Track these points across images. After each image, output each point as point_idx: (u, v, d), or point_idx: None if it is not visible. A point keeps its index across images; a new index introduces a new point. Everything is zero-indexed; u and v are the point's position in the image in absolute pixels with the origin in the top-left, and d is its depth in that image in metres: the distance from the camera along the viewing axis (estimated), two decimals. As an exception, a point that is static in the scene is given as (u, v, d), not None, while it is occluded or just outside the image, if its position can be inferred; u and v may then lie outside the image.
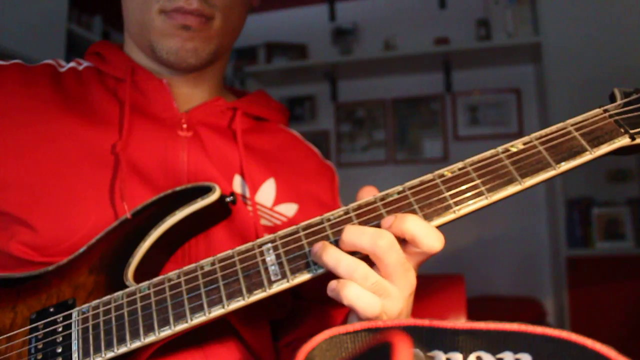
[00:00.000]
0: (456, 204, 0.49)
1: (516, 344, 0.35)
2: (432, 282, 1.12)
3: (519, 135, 2.83)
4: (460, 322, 0.36)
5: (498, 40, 2.71)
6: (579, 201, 2.54)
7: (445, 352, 0.36)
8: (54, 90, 0.66)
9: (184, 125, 0.68)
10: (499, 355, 0.35)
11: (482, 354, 0.35)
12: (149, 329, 0.49)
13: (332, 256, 0.47)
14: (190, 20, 0.65)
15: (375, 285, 0.46)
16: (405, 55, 2.83)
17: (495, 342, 0.35)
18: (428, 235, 0.47)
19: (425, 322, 0.38)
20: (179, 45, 0.66)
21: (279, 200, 0.72)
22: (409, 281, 0.48)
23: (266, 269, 0.50)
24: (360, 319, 0.48)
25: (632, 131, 0.51)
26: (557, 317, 2.59)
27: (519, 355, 0.34)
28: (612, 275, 2.38)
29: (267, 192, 0.71)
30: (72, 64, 0.73)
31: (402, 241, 0.48)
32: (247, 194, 0.68)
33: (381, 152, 3.08)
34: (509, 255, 2.80)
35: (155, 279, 0.52)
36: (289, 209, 0.72)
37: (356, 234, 0.47)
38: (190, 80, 0.73)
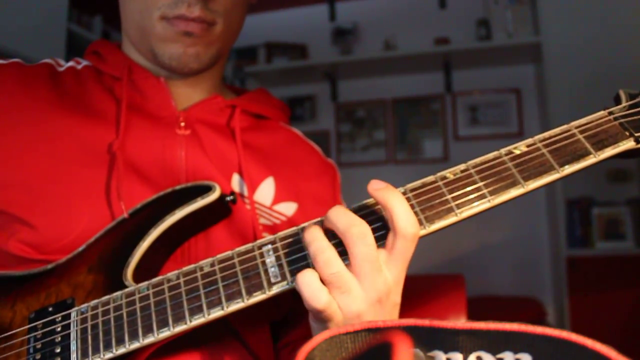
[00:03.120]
0: (458, 206, 0.49)
1: (516, 344, 0.34)
2: (432, 282, 1.12)
3: (519, 135, 2.83)
4: (460, 322, 0.36)
5: (498, 40, 2.71)
6: (579, 201, 2.54)
7: (446, 352, 0.36)
8: (52, 90, 0.66)
9: (182, 124, 0.68)
10: (499, 355, 0.35)
11: (482, 354, 0.35)
12: (147, 330, 0.49)
13: (310, 234, 0.47)
14: (192, 27, 0.64)
15: (334, 276, 0.45)
16: (405, 55, 2.82)
17: (496, 342, 0.35)
18: (406, 217, 0.46)
19: (425, 322, 0.37)
20: (181, 51, 0.66)
21: (278, 199, 0.72)
22: (377, 285, 0.46)
23: (266, 271, 0.50)
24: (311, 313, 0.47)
25: (637, 134, 0.51)
26: (557, 317, 2.59)
27: (519, 355, 0.34)
28: (612, 275, 2.38)
29: (265, 191, 0.71)
30: (71, 63, 0.73)
31: (383, 237, 0.47)
32: (246, 193, 0.68)
33: (381, 152, 3.08)
34: (509, 255, 2.80)
35: (155, 280, 0.52)
36: (288, 208, 0.72)
37: (337, 214, 0.46)
38: (189, 79, 0.73)
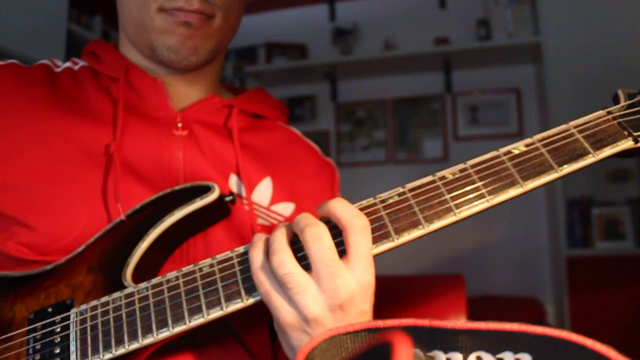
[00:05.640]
0: (457, 206, 0.49)
1: (516, 344, 0.34)
2: (432, 282, 1.11)
3: (519, 135, 2.83)
4: (460, 322, 0.36)
5: (498, 40, 2.71)
6: (579, 201, 2.54)
7: (445, 352, 0.36)
8: (49, 91, 0.66)
9: (179, 124, 0.68)
10: (499, 355, 0.35)
11: (482, 354, 0.35)
12: (147, 331, 0.49)
13: (273, 235, 0.48)
14: (191, 17, 0.65)
15: (286, 277, 0.45)
16: (405, 55, 2.82)
17: (495, 342, 0.35)
18: (346, 211, 0.47)
19: (425, 322, 0.37)
20: (180, 43, 0.66)
21: (275, 199, 0.72)
22: (337, 289, 0.45)
23: (265, 270, 0.50)
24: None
25: (635, 134, 0.51)
26: (557, 317, 2.59)
27: (519, 355, 0.34)
28: (612, 275, 2.38)
29: (263, 191, 0.71)
30: (68, 64, 0.73)
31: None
32: (244, 194, 0.68)
33: (381, 152, 3.08)
34: (509, 255, 2.80)
35: (154, 280, 0.52)
36: (286, 209, 0.72)
37: (299, 217, 0.48)
38: (186, 78, 0.73)
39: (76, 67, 0.72)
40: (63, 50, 2.36)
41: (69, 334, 0.51)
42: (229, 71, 3.07)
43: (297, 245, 0.49)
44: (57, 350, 0.50)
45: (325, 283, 0.45)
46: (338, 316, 0.46)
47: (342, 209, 0.47)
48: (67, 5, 2.42)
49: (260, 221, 0.69)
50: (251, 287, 0.49)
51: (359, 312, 0.47)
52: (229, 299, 0.49)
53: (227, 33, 0.71)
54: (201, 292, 0.50)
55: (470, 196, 0.49)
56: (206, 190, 0.60)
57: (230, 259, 0.51)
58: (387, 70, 3.03)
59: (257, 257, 0.48)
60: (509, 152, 0.51)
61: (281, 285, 0.46)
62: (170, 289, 0.51)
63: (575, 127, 0.52)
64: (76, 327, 0.51)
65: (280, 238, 0.47)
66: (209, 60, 0.71)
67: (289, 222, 0.51)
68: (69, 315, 0.52)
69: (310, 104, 3.22)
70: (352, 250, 0.46)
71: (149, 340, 0.49)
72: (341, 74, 3.12)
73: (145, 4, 0.65)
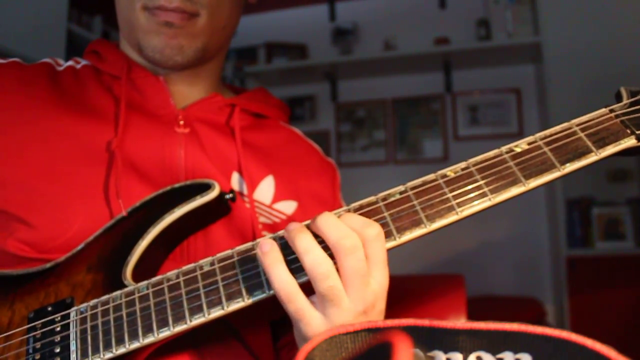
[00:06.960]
0: (459, 205, 0.49)
1: (516, 344, 0.34)
2: (432, 282, 1.11)
3: (519, 135, 2.83)
4: (460, 322, 0.36)
5: (498, 40, 2.71)
6: (579, 201, 2.54)
7: (445, 352, 0.36)
8: (51, 89, 0.66)
9: (181, 122, 0.68)
10: (499, 355, 0.35)
11: (482, 354, 0.35)
12: (147, 330, 0.49)
13: (303, 242, 0.45)
14: (172, 17, 0.64)
15: (331, 290, 0.44)
16: (405, 55, 2.82)
17: (495, 342, 0.35)
18: (359, 222, 0.46)
19: (425, 322, 0.37)
20: (163, 43, 0.66)
21: (277, 197, 0.72)
22: (364, 297, 0.45)
23: (266, 270, 0.49)
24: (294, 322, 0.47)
25: (638, 132, 0.50)
26: (557, 317, 2.59)
27: (519, 355, 0.34)
28: (612, 275, 2.38)
29: (265, 189, 0.71)
30: (70, 63, 0.73)
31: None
32: (245, 192, 0.68)
33: (381, 152, 3.07)
34: (509, 255, 2.80)
35: (154, 279, 0.52)
36: (288, 207, 0.72)
37: (329, 225, 0.45)
38: (187, 77, 0.73)
39: (78, 66, 0.72)
40: (63, 50, 2.36)
41: (69, 334, 0.51)
42: (229, 71, 3.07)
43: (288, 251, 0.48)
44: (57, 350, 0.50)
45: (356, 293, 0.45)
46: (361, 320, 0.46)
47: (353, 221, 0.46)
48: (67, 5, 2.41)
49: (262, 219, 0.69)
50: (252, 286, 0.49)
51: (378, 312, 0.47)
52: (230, 298, 0.49)
53: (217, 32, 0.69)
54: (202, 291, 0.49)
55: (472, 195, 0.49)
56: (206, 187, 0.60)
57: (231, 257, 0.51)
58: (387, 70, 3.03)
59: (283, 272, 0.46)
60: (511, 150, 0.51)
61: (320, 295, 0.45)
62: (170, 288, 0.50)
63: (578, 125, 0.52)
64: (76, 326, 0.51)
65: (315, 246, 0.45)
66: (198, 60, 0.69)
67: (303, 225, 0.48)
68: (69, 314, 0.52)
69: (310, 104, 3.22)
70: (371, 258, 0.46)
71: (149, 339, 0.49)
72: (341, 74, 3.12)
73: (131, 3, 0.65)
